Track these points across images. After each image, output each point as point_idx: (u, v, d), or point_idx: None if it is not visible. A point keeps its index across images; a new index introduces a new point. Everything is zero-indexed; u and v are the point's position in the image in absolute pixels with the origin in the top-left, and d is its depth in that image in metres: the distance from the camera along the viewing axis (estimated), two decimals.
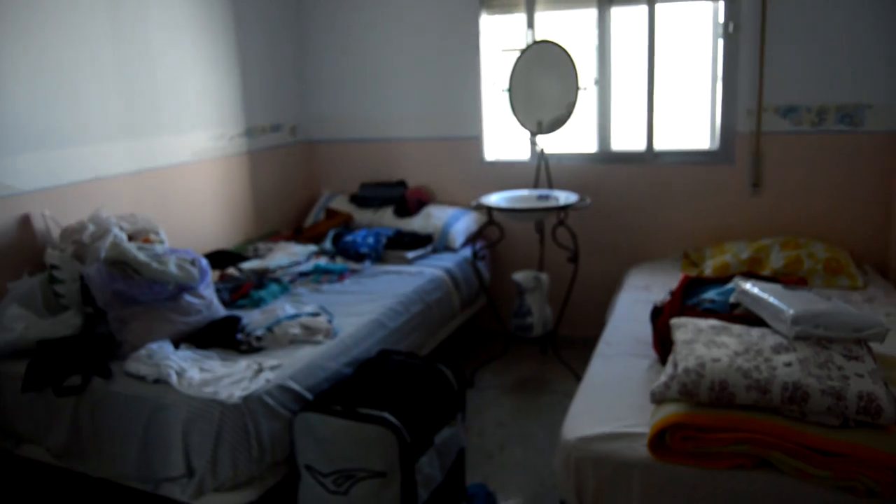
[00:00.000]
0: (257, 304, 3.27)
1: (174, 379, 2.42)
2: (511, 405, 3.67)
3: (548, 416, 3.49)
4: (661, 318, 2.67)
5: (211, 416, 2.31)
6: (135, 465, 2.46)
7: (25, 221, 2.98)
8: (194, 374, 2.46)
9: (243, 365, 2.55)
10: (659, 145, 4.05)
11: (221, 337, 2.81)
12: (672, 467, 2.03)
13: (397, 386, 2.59)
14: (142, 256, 2.70)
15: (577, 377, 3.72)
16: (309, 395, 2.59)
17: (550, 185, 4.02)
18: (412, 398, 2.53)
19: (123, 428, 2.47)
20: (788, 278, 2.99)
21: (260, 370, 2.51)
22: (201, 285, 2.88)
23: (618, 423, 2.22)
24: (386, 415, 2.40)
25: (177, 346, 2.73)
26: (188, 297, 2.83)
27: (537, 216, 3.76)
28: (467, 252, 4.08)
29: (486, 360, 4.04)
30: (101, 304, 2.74)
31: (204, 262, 2.93)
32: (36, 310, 2.81)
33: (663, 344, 2.61)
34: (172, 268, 2.74)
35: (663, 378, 2.17)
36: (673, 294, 2.74)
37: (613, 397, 2.41)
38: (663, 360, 2.61)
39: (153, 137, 3.56)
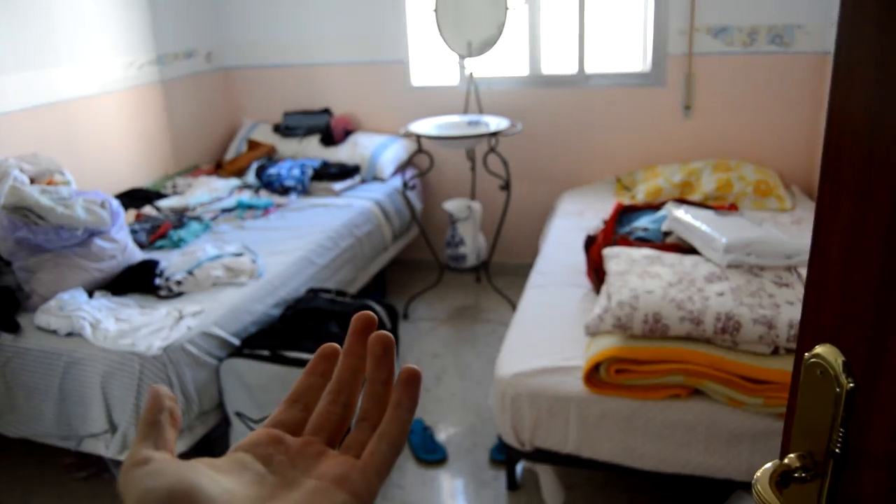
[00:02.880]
0: (177, 244, 3.11)
1: (88, 331, 2.28)
2: (447, 336, 3.64)
3: (484, 346, 3.48)
4: (594, 246, 2.64)
5: (130, 369, 2.19)
6: (54, 423, 2.34)
7: None
8: (110, 324, 2.32)
9: (163, 312, 2.42)
10: (590, 68, 3.96)
11: (139, 283, 2.67)
12: (608, 399, 2.03)
13: (327, 326, 2.52)
14: (45, 201, 2.50)
15: (513, 305, 3.71)
16: (235, 341, 2.49)
17: (481, 111, 3.91)
18: (342, 338, 2.46)
19: (38, 385, 2.33)
20: (720, 203, 2.99)
21: (181, 317, 2.39)
22: (113, 228, 2.71)
23: (552, 356, 2.20)
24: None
25: (91, 294, 2.58)
26: (100, 242, 2.66)
27: (468, 143, 3.65)
28: (397, 182, 3.97)
29: (420, 291, 3.98)
30: (4, 253, 2.55)
31: (115, 203, 2.74)
32: None
33: (597, 273, 2.59)
34: (80, 211, 2.55)
35: (597, 310, 2.15)
36: (606, 223, 2.71)
37: (547, 330, 2.39)
38: (597, 289, 2.59)
39: (52, 68, 3.28)
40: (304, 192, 3.81)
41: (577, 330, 2.30)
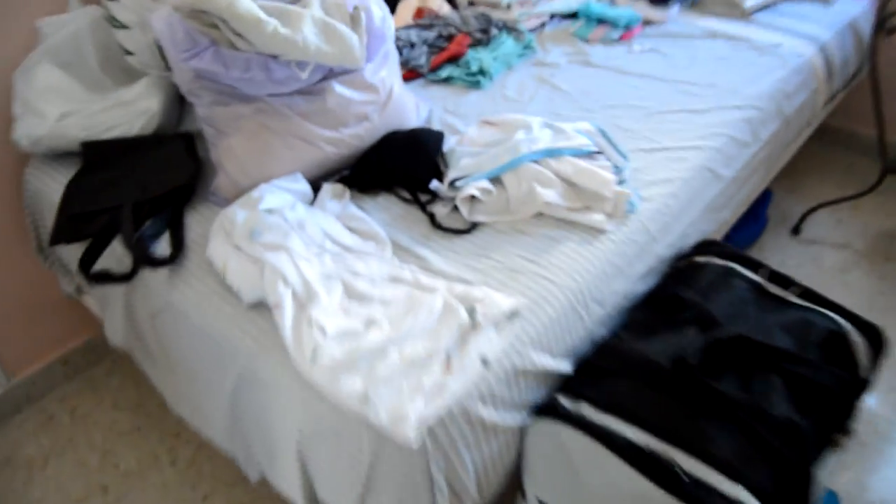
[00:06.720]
0: (475, 80, 1.79)
1: (287, 321, 1.09)
2: (864, 284, 2.10)
3: None
4: None
5: (357, 449, 1.02)
6: (227, 436, 1.29)
7: None
8: (333, 313, 1.11)
9: (438, 303, 1.12)
10: None
11: (402, 177, 1.42)
12: None
13: (752, 377, 1.16)
14: (246, 5, 1.24)
15: None
16: (565, 368, 1.21)
17: None
18: (786, 415, 1.10)
19: (202, 373, 1.25)
20: None
21: (472, 316, 1.12)
22: (371, 62, 1.43)
23: None
24: (742, 492, 1.01)
25: (316, 189, 1.38)
26: (342, 90, 1.40)
27: None
28: (853, 7, 2.23)
29: (835, 199, 2.38)
30: (182, 89, 1.37)
31: (379, 15, 1.43)
32: (85, 75, 1.53)
33: None
34: (310, 35, 1.27)
35: None
36: None
37: None
38: None
39: None
40: (694, 2, 2.23)
41: None
